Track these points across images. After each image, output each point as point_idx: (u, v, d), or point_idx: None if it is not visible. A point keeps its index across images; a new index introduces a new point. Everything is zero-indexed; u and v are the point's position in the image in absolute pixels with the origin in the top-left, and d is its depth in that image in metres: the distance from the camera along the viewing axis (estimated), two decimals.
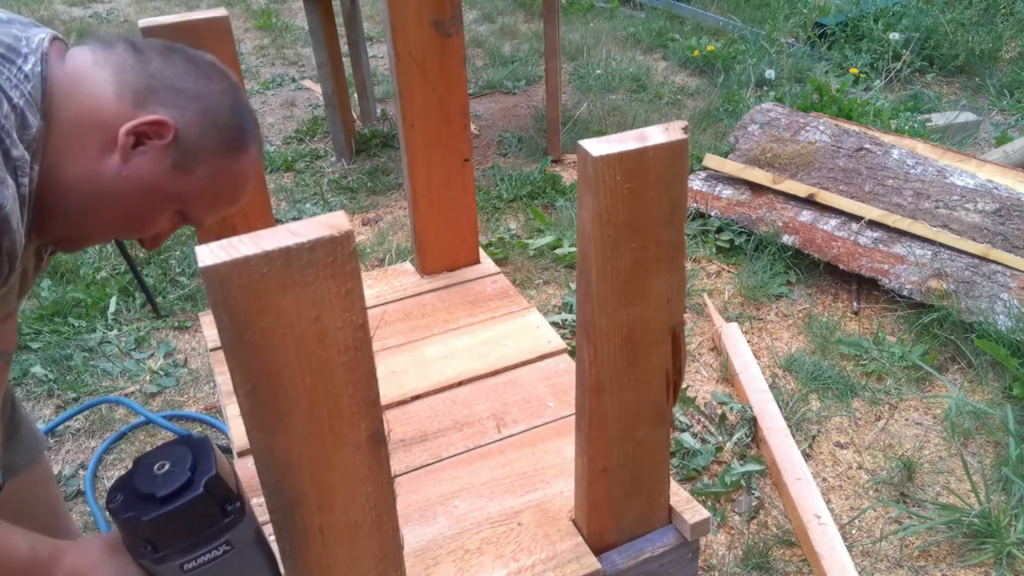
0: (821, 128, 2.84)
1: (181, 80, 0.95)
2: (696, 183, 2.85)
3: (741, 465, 1.83)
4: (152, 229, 1.01)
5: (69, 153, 0.91)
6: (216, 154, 0.98)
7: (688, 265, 2.65)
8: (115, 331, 2.37)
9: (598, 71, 4.22)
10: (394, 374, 1.58)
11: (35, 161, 0.88)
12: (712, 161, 2.86)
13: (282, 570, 0.95)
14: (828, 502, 1.78)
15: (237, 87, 1.02)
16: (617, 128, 3.56)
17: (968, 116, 3.50)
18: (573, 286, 2.56)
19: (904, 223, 2.46)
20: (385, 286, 1.87)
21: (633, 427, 1.12)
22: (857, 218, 2.52)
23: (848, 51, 4.16)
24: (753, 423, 1.94)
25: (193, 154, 0.96)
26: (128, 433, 2.05)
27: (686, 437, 1.92)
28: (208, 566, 0.91)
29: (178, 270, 2.63)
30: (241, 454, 1.42)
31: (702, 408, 2.02)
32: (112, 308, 2.45)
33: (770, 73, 3.95)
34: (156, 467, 0.90)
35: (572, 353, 1.74)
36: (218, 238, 0.73)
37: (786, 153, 2.78)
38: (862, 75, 3.94)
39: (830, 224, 2.55)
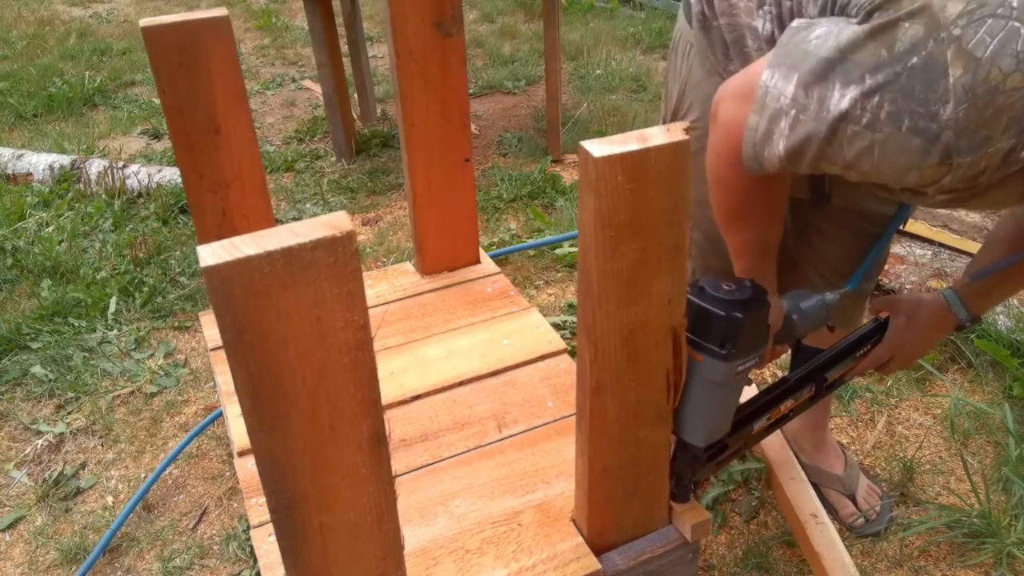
0: None
1: None
2: None
3: (741, 464, 1.83)
4: None
5: None
6: None
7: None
8: (115, 331, 2.37)
9: (598, 71, 4.22)
10: (394, 374, 1.58)
11: None
12: None
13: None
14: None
15: None
16: (617, 128, 3.56)
17: None
18: (573, 286, 2.56)
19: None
20: (385, 286, 1.87)
21: (634, 427, 1.12)
22: None
23: None
24: None
25: None
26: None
27: None
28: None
29: (178, 270, 2.63)
30: (242, 454, 1.43)
31: None
32: (112, 308, 2.45)
33: None
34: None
35: (572, 353, 1.74)
36: (219, 238, 0.73)
37: None
38: None
39: None
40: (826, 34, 0.95)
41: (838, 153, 0.94)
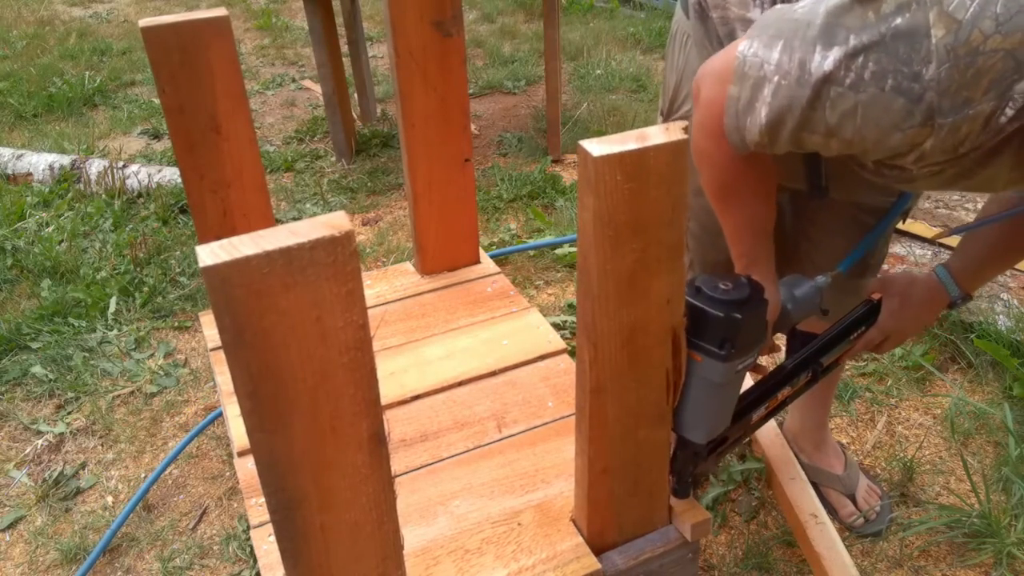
0: None
1: None
2: None
3: (741, 464, 1.83)
4: None
5: None
6: None
7: None
8: (115, 331, 2.37)
9: (598, 71, 4.22)
10: (394, 374, 1.58)
11: None
12: None
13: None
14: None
15: None
16: (617, 128, 3.56)
17: None
18: (573, 286, 2.56)
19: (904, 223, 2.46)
20: (385, 286, 1.87)
21: (634, 427, 1.12)
22: None
23: None
24: None
25: None
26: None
27: None
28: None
29: (178, 270, 2.63)
30: (242, 454, 1.43)
31: None
32: (112, 308, 2.45)
33: None
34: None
35: (572, 353, 1.74)
36: (219, 238, 0.73)
37: None
38: None
39: None
40: (813, 3, 0.96)
41: (820, 118, 0.95)
